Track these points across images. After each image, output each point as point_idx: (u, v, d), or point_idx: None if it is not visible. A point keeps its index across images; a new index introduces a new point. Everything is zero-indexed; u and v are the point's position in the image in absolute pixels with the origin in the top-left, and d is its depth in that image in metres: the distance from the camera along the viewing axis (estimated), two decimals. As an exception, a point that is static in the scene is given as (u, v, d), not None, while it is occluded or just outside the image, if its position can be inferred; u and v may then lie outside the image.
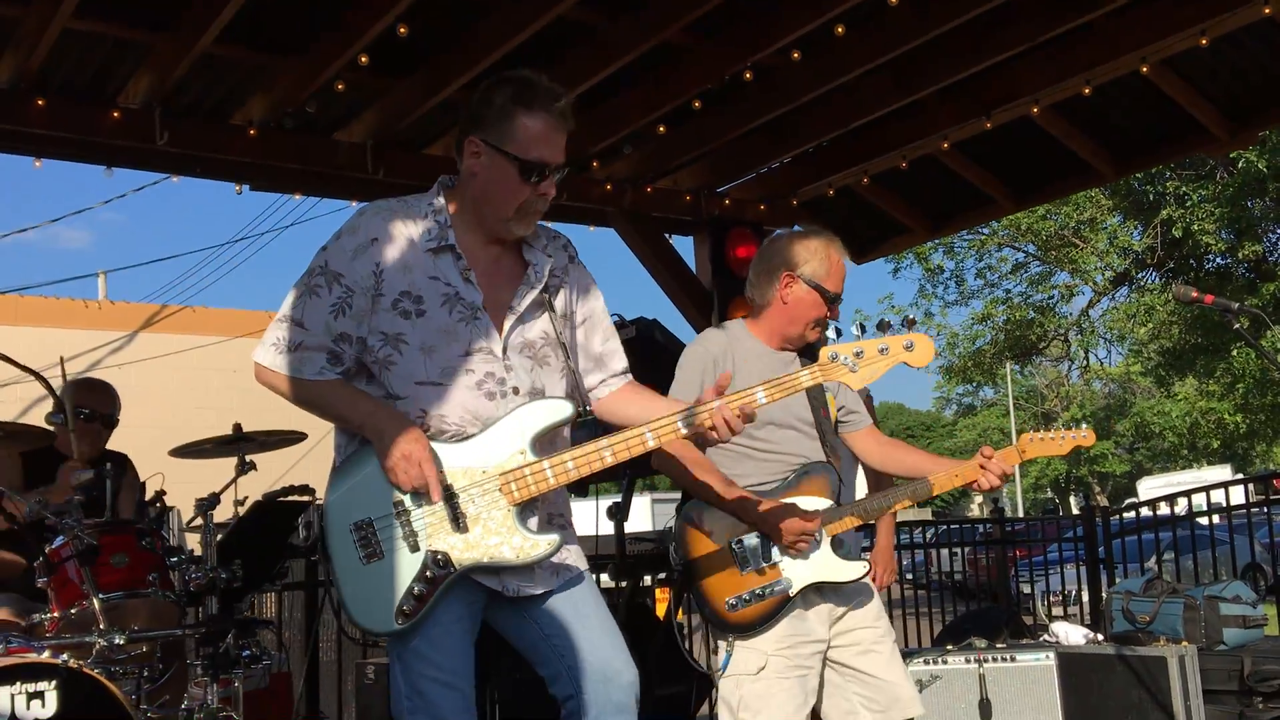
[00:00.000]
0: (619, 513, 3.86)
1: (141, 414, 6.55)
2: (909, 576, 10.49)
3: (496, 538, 2.44)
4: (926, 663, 5.38)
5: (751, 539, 3.06)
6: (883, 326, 2.62)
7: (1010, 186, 7.27)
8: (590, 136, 6.22)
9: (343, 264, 2.47)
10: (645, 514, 15.85)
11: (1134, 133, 6.66)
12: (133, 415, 4.93)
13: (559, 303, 2.64)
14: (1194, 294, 3.39)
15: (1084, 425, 3.46)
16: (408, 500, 2.42)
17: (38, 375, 3.94)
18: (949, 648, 5.44)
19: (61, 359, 4.17)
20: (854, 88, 5.85)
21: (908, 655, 5.51)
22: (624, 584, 3.98)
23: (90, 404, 4.37)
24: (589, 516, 3.87)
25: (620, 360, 2.76)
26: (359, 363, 2.52)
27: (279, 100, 5.52)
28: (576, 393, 2.64)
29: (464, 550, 2.42)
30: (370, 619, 2.42)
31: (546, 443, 2.53)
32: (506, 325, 2.53)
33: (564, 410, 2.52)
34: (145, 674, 3.60)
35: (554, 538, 2.49)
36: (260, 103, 5.58)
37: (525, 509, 2.49)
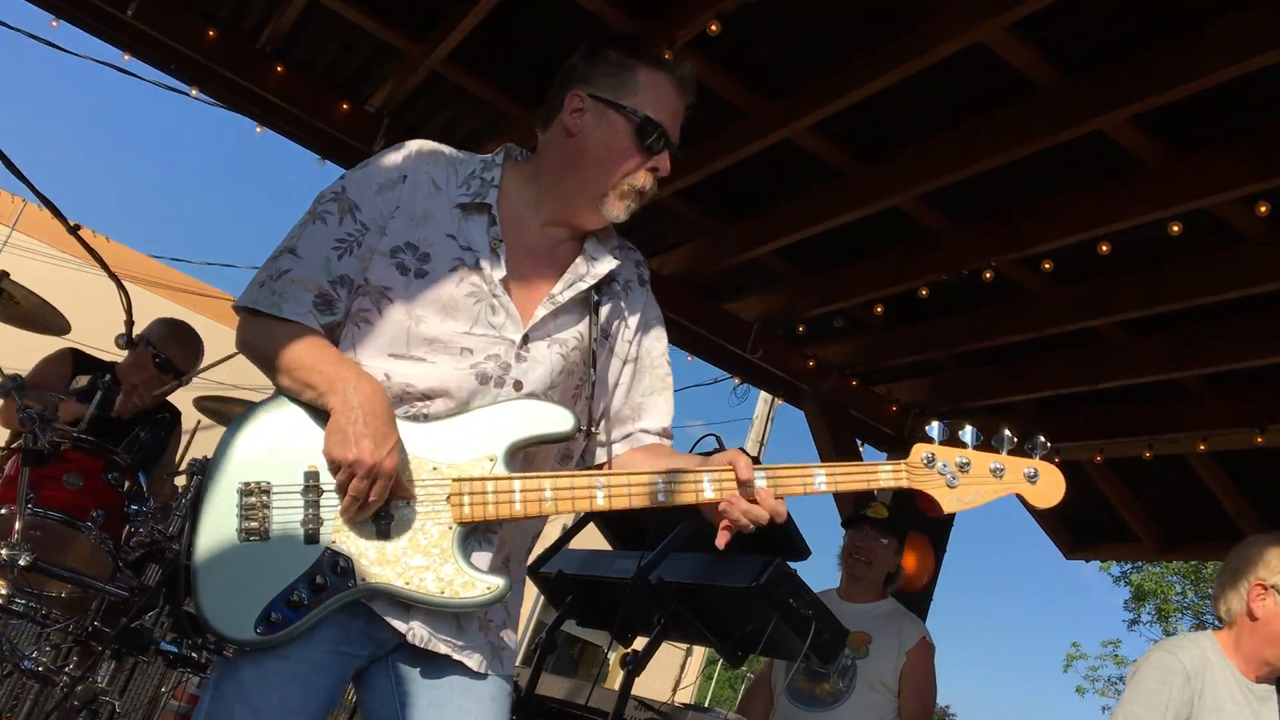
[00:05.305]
0: (634, 663, 3.13)
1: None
2: None
3: (423, 559, 1.81)
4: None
5: None
6: (999, 441, 1.92)
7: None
8: (803, 303, 5.70)
9: (364, 195, 1.98)
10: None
11: None
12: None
13: (605, 312, 2.07)
14: None
15: None
16: (324, 473, 1.83)
17: (119, 283, 3.66)
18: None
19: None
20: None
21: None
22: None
23: (170, 353, 4.11)
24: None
25: (661, 419, 2.14)
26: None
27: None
28: (585, 416, 2.05)
29: (375, 562, 1.80)
30: (222, 617, 1.78)
31: (527, 458, 1.95)
32: (538, 313, 1.98)
33: (562, 422, 1.91)
34: (45, 613, 3.12)
35: (500, 582, 1.85)
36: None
37: (473, 534, 1.88)
